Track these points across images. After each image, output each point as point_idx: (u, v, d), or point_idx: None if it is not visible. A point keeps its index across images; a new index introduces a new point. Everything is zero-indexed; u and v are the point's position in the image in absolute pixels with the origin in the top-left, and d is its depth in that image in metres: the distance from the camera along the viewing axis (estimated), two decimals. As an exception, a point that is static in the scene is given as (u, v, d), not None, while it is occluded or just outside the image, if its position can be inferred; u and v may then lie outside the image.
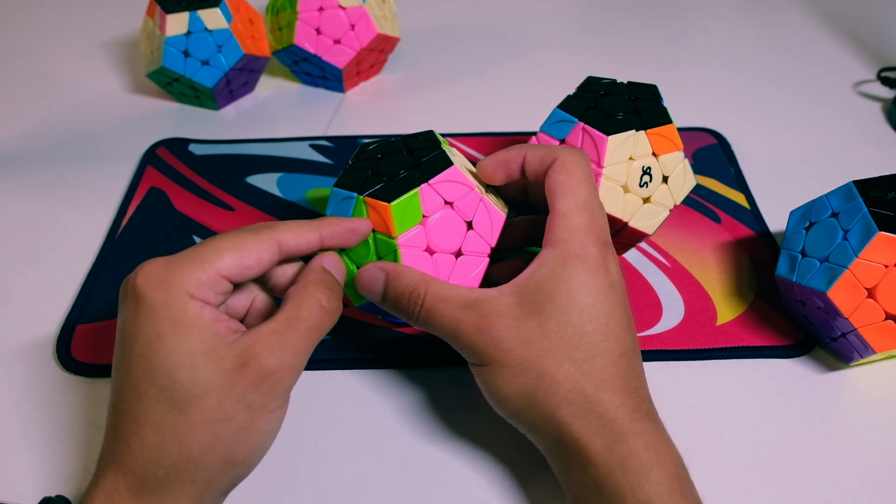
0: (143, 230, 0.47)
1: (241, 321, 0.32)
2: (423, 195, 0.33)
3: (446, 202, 0.34)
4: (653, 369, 0.38)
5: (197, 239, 0.46)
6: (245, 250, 0.29)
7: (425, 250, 0.34)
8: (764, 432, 0.35)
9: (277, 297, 0.33)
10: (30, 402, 0.37)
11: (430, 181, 0.34)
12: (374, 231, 0.34)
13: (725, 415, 0.36)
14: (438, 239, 0.34)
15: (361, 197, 0.34)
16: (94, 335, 0.40)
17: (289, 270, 0.32)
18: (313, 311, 0.30)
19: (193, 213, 0.48)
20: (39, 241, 0.47)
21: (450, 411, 0.37)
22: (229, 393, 0.27)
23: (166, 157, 0.53)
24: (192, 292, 0.28)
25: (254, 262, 0.30)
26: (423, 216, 0.33)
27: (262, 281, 0.33)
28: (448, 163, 0.34)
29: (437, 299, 0.31)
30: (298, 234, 0.31)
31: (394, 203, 0.33)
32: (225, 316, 0.29)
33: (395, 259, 0.33)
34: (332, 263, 0.32)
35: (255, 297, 0.33)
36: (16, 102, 0.60)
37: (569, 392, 0.29)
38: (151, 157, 0.53)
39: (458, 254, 0.34)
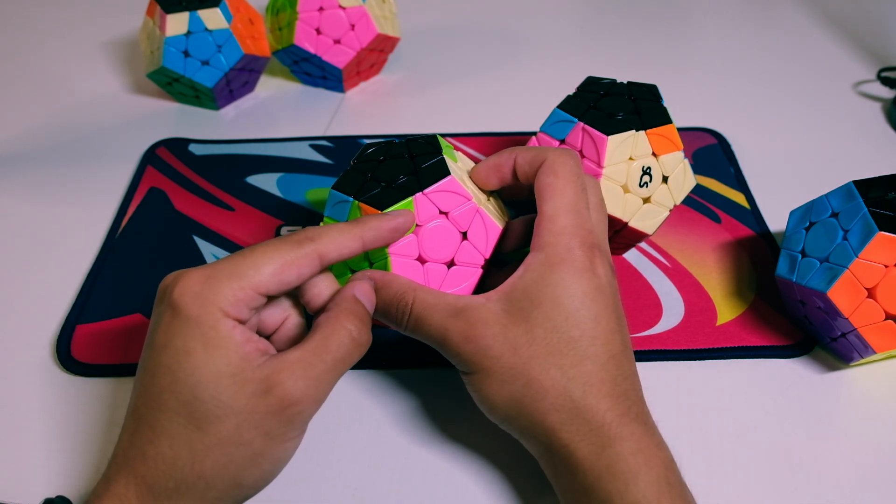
0: (143, 230, 0.47)
1: (270, 336, 0.32)
2: (418, 204, 0.33)
3: (441, 212, 0.34)
4: (653, 369, 0.38)
5: (197, 239, 0.46)
6: (286, 265, 0.28)
7: (416, 259, 0.33)
8: (764, 432, 0.35)
9: (309, 315, 0.32)
10: (29, 402, 0.37)
11: (426, 190, 0.33)
12: None
13: (726, 415, 0.36)
14: (431, 249, 0.34)
15: (356, 202, 0.34)
16: (93, 335, 0.40)
17: (324, 292, 0.31)
18: (343, 342, 0.29)
19: (193, 213, 0.48)
20: (39, 241, 0.47)
21: (450, 412, 0.37)
22: (248, 418, 0.27)
23: (166, 157, 0.53)
24: (226, 310, 0.27)
25: (294, 278, 0.29)
26: (417, 225, 0.33)
27: (294, 294, 0.32)
28: (445, 172, 0.34)
29: (424, 307, 0.31)
30: (341, 246, 0.30)
31: (386, 211, 0.33)
32: (255, 336, 0.29)
33: (386, 267, 0.33)
34: (363, 292, 0.31)
35: (288, 317, 0.32)
36: (16, 102, 0.60)
37: (556, 399, 0.29)
38: (151, 157, 0.53)
39: (451, 264, 0.34)
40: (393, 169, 0.35)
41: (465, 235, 0.34)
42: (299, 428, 0.29)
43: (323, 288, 0.31)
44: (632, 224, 0.39)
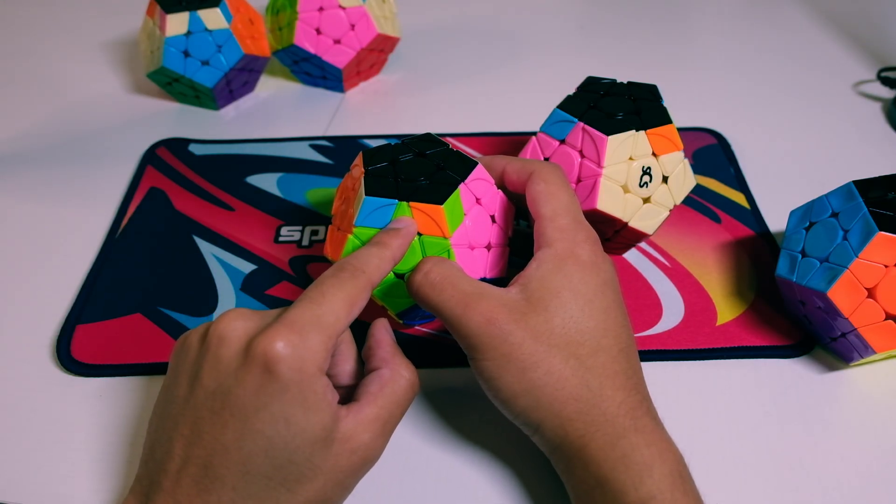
0: (143, 230, 0.47)
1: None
2: (463, 194, 0.35)
3: (476, 199, 0.35)
4: (653, 369, 0.38)
5: (197, 239, 0.46)
6: (353, 303, 0.29)
7: (468, 247, 0.35)
8: (764, 432, 0.35)
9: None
10: (29, 402, 0.37)
11: (466, 181, 0.35)
12: (419, 234, 0.34)
13: (725, 415, 0.36)
14: (475, 235, 0.35)
15: (406, 203, 0.34)
16: (93, 335, 0.40)
17: (350, 362, 0.33)
18: (406, 393, 0.31)
19: (193, 213, 0.48)
20: (39, 241, 0.47)
21: (450, 411, 0.37)
22: (334, 477, 0.28)
23: (166, 157, 0.53)
24: (321, 367, 0.28)
25: (357, 312, 0.30)
26: (464, 214, 0.35)
27: None
28: (474, 162, 0.36)
29: (443, 277, 0.31)
30: (383, 271, 0.31)
31: (445, 203, 0.34)
32: (331, 384, 0.29)
33: (451, 258, 0.34)
34: (388, 327, 0.34)
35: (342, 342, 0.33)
36: (16, 102, 0.60)
37: (575, 388, 0.29)
38: (151, 157, 0.53)
39: (489, 247, 0.36)
40: (416, 167, 0.35)
41: (493, 218, 0.36)
42: (363, 477, 0.30)
43: (349, 357, 0.33)
44: (632, 224, 0.39)
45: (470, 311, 0.30)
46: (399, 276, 0.34)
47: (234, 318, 0.29)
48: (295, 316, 0.28)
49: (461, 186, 0.34)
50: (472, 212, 0.35)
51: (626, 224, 0.39)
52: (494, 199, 0.36)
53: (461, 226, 0.35)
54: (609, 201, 0.38)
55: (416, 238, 0.34)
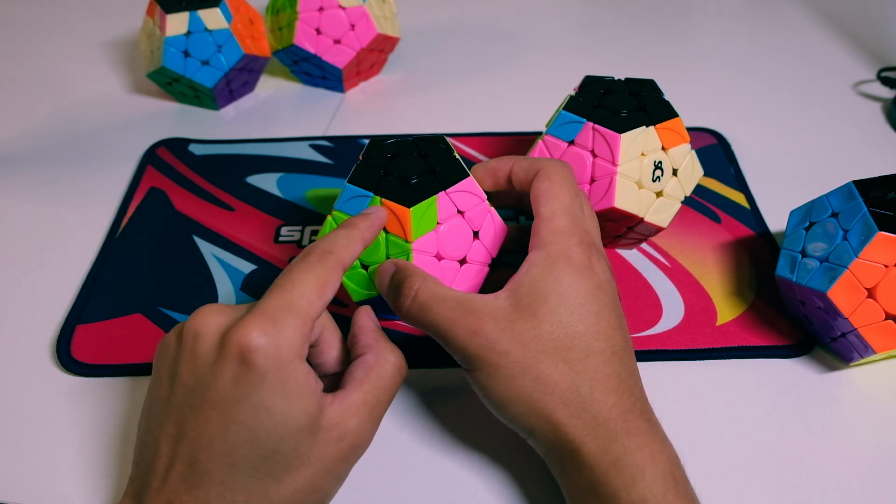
0: (143, 230, 0.47)
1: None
2: (440, 202, 0.34)
3: (459, 211, 0.35)
4: (653, 369, 0.38)
5: (197, 239, 0.46)
6: (324, 285, 0.29)
7: (435, 256, 0.34)
8: (764, 432, 0.35)
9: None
10: (29, 402, 0.37)
11: (448, 190, 0.34)
12: (386, 232, 0.34)
13: (725, 415, 0.36)
14: (448, 246, 0.34)
15: (378, 198, 0.34)
16: (93, 335, 0.40)
17: (336, 346, 0.33)
18: (393, 377, 0.31)
19: (193, 213, 0.48)
20: (39, 241, 0.47)
21: (449, 411, 0.37)
22: (323, 465, 0.28)
23: (166, 157, 0.53)
24: (299, 353, 0.27)
25: (330, 294, 0.29)
26: (437, 223, 0.34)
27: None
28: (465, 173, 0.35)
29: (430, 296, 0.31)
30: (353, 252, 0.31)
31: (413, 208, 0.33)
32: (314, 372, 0.29)
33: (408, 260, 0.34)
34: (371, 314, 0.34)
35: (324, 329, 0.32)
36: (16, 102, 0.60)
37: (565, 393, 0.29)
38: (151, 157, 0.53)
39: (463, 261, 0.35)
40: (406, 166, 0.35)
41: (476, 234, 0.35)
42: (355, 464, 0.30)
43: (336, 341, 0.33)
44: (647, 219, 0.39)
45: (456, 325, 0.30)
46: (364, 266, 0.35)
47: (207, 314, 0.28)
48: (267, 305, 0.28)
49: (440, 195, 0.34)
50: (450, 222, 0.35)
51: (641, 219, 0.39)
52: (482, 216, 0.35)
53: (431, 233, 0.34)
54: (625, 198, 0.38)
55: (384, 233, 0.34)
